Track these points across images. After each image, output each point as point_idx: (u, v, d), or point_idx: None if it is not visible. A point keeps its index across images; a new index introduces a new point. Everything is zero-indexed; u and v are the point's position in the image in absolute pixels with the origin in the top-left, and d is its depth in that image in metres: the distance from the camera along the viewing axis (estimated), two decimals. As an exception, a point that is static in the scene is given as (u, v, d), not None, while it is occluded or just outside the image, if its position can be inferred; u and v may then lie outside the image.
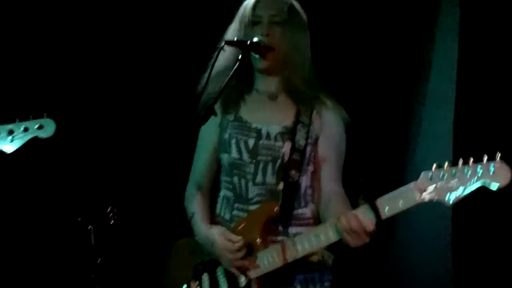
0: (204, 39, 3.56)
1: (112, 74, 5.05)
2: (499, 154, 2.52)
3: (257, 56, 3.11)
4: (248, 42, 3.06)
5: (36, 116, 3.25)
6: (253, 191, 3.18)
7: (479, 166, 2.54)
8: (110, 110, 5.01)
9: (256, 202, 3.18)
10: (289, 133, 3.15)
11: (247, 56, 3.07)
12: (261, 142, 3.16)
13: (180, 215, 3.51)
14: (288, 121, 3.19)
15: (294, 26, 3.21)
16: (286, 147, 3.15)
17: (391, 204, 2.70)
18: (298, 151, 3.14)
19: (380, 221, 2.76)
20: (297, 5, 3.29)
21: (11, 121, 3.25)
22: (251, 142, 3.16)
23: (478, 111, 4.86)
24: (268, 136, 3.16)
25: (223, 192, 3.32)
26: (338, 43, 5.33)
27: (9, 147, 3.22)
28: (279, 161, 3.15)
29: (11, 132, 3.23)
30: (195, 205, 3.31)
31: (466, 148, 4.90)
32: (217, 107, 3.13)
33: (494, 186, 2.51)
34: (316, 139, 3.22)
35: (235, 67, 3.01)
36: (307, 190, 3.23)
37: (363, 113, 5.32)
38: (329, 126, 3.25)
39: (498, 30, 4.79)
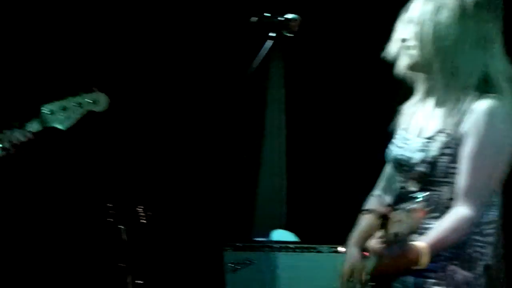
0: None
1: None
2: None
3: None
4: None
5: (86, 91, 3.25)
6: None
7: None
8: (145, 104, 4.71)
9: None
10: None
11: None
12: None
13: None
14: None
15: None
16: None
17: None
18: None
19: None
20: None
21: (61, 97, 3.24)
22: None
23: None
24: None
25: None
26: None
27: (65, 123, 3.25)
28: None
29: (64, 109, 3.24)
30: None
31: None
32: None
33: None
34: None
35: (265, 46, 2.68)
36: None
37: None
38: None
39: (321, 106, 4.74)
